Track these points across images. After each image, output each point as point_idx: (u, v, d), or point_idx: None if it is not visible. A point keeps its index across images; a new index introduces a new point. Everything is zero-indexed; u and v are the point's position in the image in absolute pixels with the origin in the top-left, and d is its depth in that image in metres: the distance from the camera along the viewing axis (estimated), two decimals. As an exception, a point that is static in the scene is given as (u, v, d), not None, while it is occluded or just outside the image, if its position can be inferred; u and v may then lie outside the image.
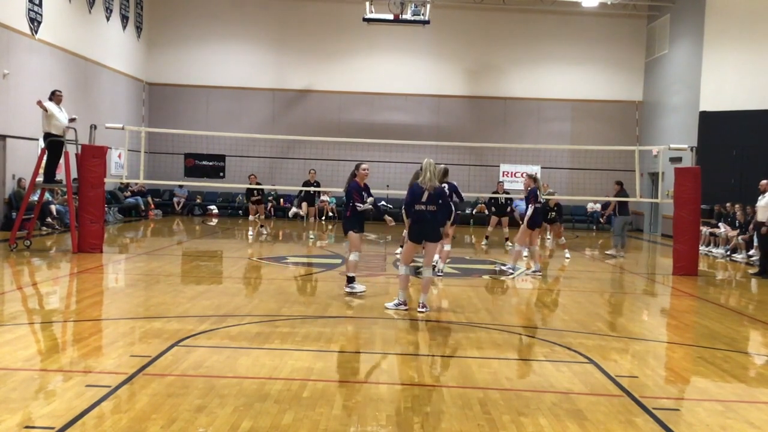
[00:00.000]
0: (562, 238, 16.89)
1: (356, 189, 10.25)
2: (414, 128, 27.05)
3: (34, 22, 18.97)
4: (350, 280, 10.39)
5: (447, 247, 12.79)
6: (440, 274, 12.59)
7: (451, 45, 27.67)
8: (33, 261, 13.17)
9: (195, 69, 27.68)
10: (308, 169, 20.77)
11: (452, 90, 27.91)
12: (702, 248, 17.99)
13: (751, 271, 15.15)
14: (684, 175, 14.31)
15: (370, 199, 10.31)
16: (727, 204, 19.43)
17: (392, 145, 22.34)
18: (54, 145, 14.18)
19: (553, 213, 16.84)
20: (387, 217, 10.69)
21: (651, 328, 9.46)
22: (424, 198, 9.11)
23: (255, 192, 19.22)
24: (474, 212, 26.91)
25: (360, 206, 10.15)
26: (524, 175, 13.71)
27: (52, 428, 4.64)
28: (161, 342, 7.01)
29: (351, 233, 10.31)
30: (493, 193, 19.43)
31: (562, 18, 27.55)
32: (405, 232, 14.10)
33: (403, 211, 9.56)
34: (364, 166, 10.46)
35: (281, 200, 27.53)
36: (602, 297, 11.06)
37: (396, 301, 9.31)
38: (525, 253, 17.13)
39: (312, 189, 18.86)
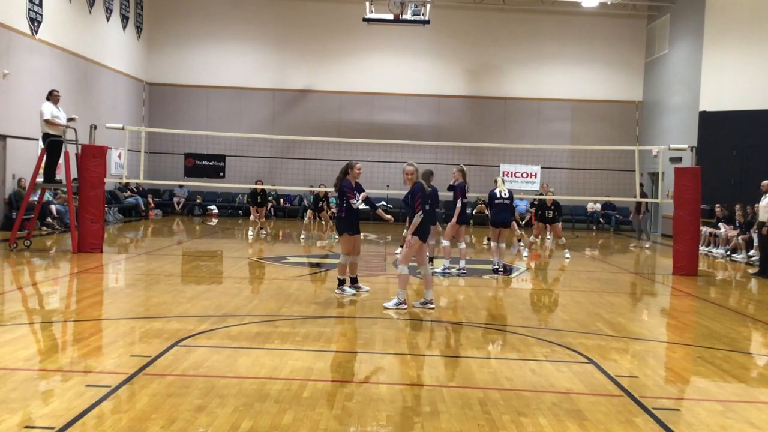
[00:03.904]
0: (562, 238, 16.88)
1: (348, 187, 10.13)
2: (414, 128, 27.06)
3: (34, 22, 18.98)
4: (340, 282, 10.38)
5: (462, 245, 13.04)
6: (464, 271, 12.88)
7: (451, 45, 27.67)
8: (33, 261, 13.17)
9: (195, 69, 27.69)
10: (308, 169, 20.76)
11: (452, 90, 27.91)
12: (702, 248, 18.00)
13: (751, 271, 15.14)
14: (684, 175, 14.31)
15: (362, 195, 10.22)
16: (718, 206, 19.42)
17: (392, 145, 22.33)
18: (53, 144, 14.18)
19: (551, 212, 16.80)
20: (380, 211, 10.82)
21: (651, 328, 9.46)
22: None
23: (259, 197, 19.29)
24: (474, 212, 26.90)
25: (354, 202, 10.04)
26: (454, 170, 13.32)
27: (52, 428, 4.64)
28: (161, 342, 7.01)
29: (345, 236, 10.27)
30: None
31: (562, 18, 27.55)
32: (405, 232, 14.19)
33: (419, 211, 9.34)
34: (358, 165, 10.34)
35: (281, 200, 27.55)
36: (602, 297, 11.06)
37: (396, 301, 9.32)
38: (522, 249, 17.18)
39: (321, 202, 19.84)
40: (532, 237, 18.52)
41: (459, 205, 12.74)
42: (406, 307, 9.24)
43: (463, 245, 13.31)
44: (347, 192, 10.08)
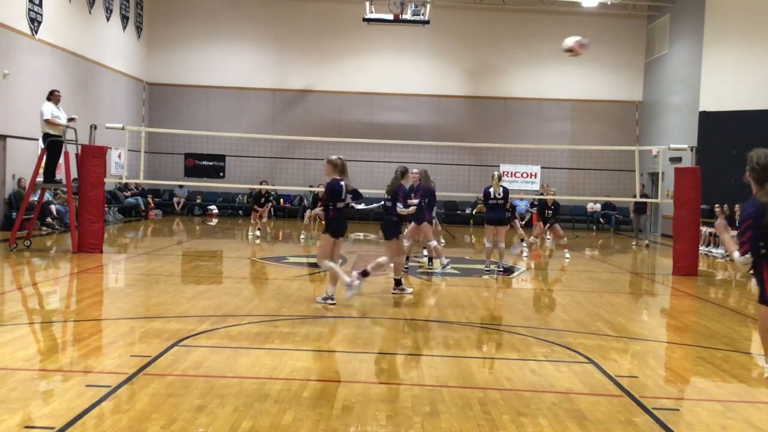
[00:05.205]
0: (564, 238, 16.80)
1: (404, 192, 10.37)
2: (414, 128, 27.05)
3: (34, 22, 18.98)
4: (364, 273, 10.39)
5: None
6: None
7: (451, 45, 27.67)
8: (33, 261, 13.17)
9: (195, 69, 27.69)
10: (309, 169, 20.79)
11: (452, 90, 27.91)
12: (702, 248, 17.99)
13: (751, 271, 15.11)
14: (684, 175, 14.32)
15: (412, 207, 10.50)
16: (718, 206, 19.39)
17: (392, 145, 22.35)
18: (54, 144, 14.17)
19: (550, 212, 16.72)
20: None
21: (651, 328, 9.47)
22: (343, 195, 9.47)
23: (263, 197, 19.15)
24: (474, 212, 26.92)
25: (401, 208, 10.17)
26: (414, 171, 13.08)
27: (52, 428, 4.64)
28: (161, 342, 7.01)
29: (395, 241, 10.33)
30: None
31: (562, 18, 27.53)
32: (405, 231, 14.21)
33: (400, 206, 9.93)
34: (415, 170, 11.36)
35: (281, 200, 27.54)
36: (602, 297, 11.06)
37: (324, 296, 9.44)
38: (525, 249, 17.17)
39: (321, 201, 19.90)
40: (532, 237, 18.52)
41: (417, 202, 12.62)
42: (333, 302, 9.29)
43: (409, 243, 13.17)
44: (401, 197, 10.22)
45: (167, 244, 17.58)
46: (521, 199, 25.70)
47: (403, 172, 10.44)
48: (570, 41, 12.36)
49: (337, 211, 9.42)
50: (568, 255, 16.42)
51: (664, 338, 8.64)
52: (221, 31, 27.63)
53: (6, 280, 11.29)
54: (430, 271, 13.09)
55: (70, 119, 14.36)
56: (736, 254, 4.72)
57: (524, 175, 27.31)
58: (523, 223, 24.62)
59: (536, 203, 22.41)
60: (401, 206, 10.12)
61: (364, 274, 9.91)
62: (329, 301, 9.34)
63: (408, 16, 20.95)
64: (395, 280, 10.52)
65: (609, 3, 25.03)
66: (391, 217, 10.24)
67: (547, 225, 16.71)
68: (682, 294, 12.06)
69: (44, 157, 14.37)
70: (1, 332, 7.25)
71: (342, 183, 9.41)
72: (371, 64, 27.76)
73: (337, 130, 26.52)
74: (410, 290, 10.57)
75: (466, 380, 6.17)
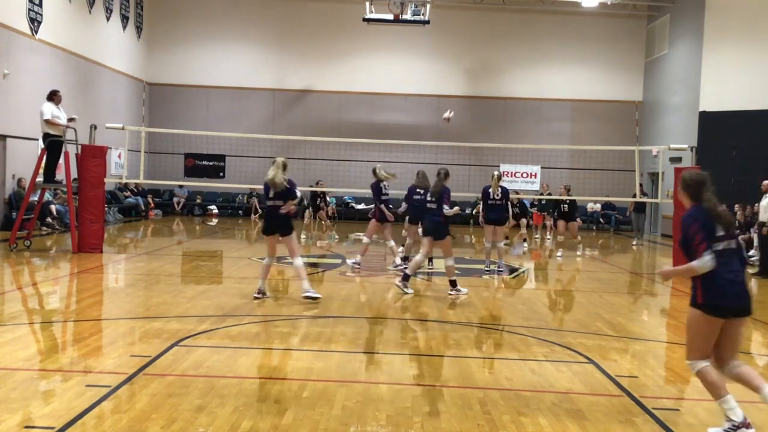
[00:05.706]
0: (578, 237, 16.73)
1: (448, 193, 10.55)
2: (414, 128, 27.04)
3: (34, 22, 18.97)
4: (453, 283, 10.59)
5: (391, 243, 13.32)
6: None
7: (451, 45, 27.67)
8: (33, 261, 13.18)
9: (195, 69, 27.69)
10: (308, 169, 20.85)
11: (452, 90, 27.90)
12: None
13: (751, 270, 15.13)
14: (684, 175, 14.30)
15: (456, 209, 10.70)
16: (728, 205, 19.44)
17: (392, 145, 22.35)
18: (54, 144, 14.17)
19: (566, 206, 16.66)
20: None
21: (651, 328, 9.47)
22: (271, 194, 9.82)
23: (319, 198, 19.51)
24: (474, 213, 26.90)
25: (447, 209, 10.41)
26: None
27: (52, 428, 4.64)
28: (161, 342, 7.01)
29: (448, 238, 10.61)
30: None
31: (562, 18, 27.55)
32: (404, 232, 14.23)
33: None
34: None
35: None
36: (602, 297, 11.06)
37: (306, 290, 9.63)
38: (527, 249, 17.17)
39: (319, 199, 20.06)
40: (559, 237, 18.40)
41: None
42: (259, 297, 9.52)
43: (392, 243, 13.30)
44: (446, 199, 10.47)
45: (167, 244, 17.58)
46: (521, 200, 25.66)
47: (446, 174, 10.70)
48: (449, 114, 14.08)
49: (266, 209, 10.04)
50: (560, 254, 16.41)
51: (664, 338, 8.64)
52: (221, 31, 27.63)
53: (6, 280, 11.29)
54: (429, 271, 13.08)
55: (70, 119, 14.35)
56: (696, 262, 4.73)
57: (524, 175, 27.31)
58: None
59: (535, 204, 22.46)
60: (447, 207, 10.42)
61: (453, 284, 10.53)
62: (309, 293, 9.49)
63: (408, 16, 20.95)
64: (405, 274, 10.66)
65: (609, 3, 25.02)
66: (438, 218, 10.50)
67: (572, 221, 16.70)
68: (682, 294, 12.04)
69: (44, 157, 14.37)
70: (1, 332, 7.25)
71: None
72: (371, 64, 27.76)
73: (337, 130, 26.51)
74: (411, 291, 10.59)
75: (466, 380, 6.17)
